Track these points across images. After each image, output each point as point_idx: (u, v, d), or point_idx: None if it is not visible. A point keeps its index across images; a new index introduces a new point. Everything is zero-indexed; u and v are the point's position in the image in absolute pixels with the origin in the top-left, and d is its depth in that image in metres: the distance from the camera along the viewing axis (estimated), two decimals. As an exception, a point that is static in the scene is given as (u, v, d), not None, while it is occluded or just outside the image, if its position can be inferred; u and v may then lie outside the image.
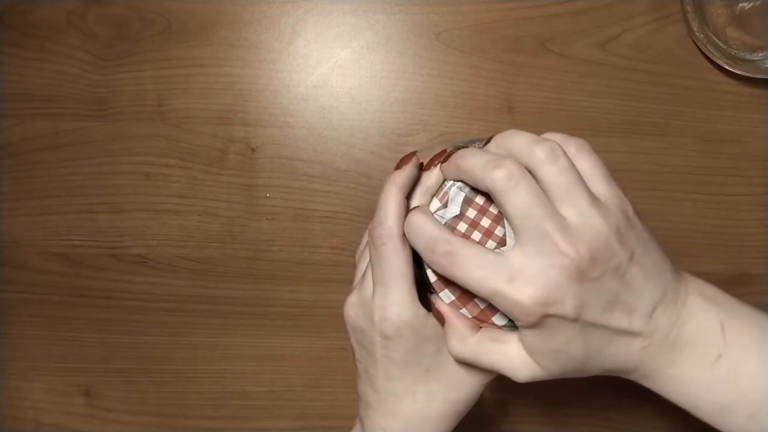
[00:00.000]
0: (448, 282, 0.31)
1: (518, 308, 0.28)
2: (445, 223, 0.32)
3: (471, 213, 0.31)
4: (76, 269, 0.50)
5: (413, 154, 0.33)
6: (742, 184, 0.49)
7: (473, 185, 0.31)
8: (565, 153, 0.29)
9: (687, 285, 0.31)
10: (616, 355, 0.30)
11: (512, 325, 0.31)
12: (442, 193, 0.32)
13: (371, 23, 0.48)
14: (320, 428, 0.51)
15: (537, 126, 0.48)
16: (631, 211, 0.30)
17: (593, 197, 0.29)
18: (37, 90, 0.49)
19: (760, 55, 0.47)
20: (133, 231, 0.49)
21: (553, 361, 0.29)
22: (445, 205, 0.32)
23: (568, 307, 0.27)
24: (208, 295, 0.49)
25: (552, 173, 0.28)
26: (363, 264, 0.36)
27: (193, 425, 0.50)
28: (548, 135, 0.30)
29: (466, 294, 0.31)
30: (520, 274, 0.28)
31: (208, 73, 0.48)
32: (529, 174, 0.28)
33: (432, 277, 0.32)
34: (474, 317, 0.32)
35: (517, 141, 0.30)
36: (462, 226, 0.31)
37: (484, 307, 0.31)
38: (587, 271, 0.27)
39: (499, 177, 0.28)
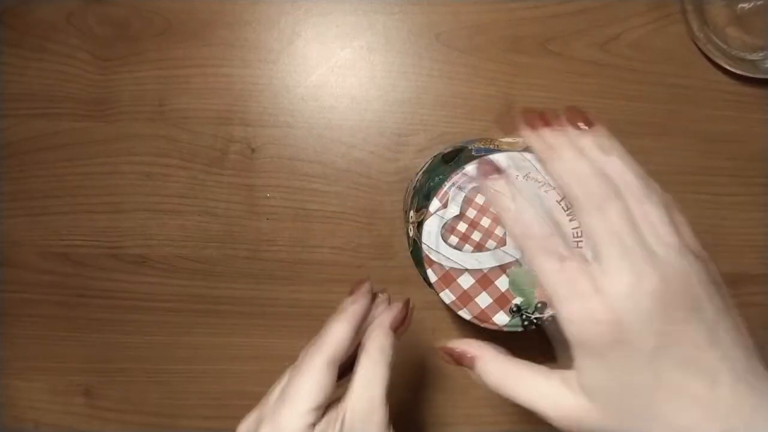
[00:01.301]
0: (449, 282, 0.32)
1: (590, 322, 0.25)
2: (445, 224, 0.32)
3: (471, 213, 0.32)
4: (76, 269, 0.50)
5: (364, 281, 0.33)
6: (742, 184, 0.49)
7: (556, 181, 0.28)
8: (660, 191, 0.27)
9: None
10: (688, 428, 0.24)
11: (514, 324, 0.31)
12: (441, 193, 0.32)
13: (371, 23, 0.48)
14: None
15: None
16: (719, 275, 0.27)
17: (682, 238, 0.26)
18: (37, 90, 0.49)
19: (759, 54, 0.47)
20: (133, 231, 0.49)
21: (611, 399, 0.25)
22: (445, 205, 0.32)
23: (646, 336, 0.24)
24: (208, 295, 0.50)
25: (646, 209, 0.26)
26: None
27: (193, 425, 0.50)
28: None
29: (466, 294, 0.31)
30: (602, 290, 0.25)
31: (208, 73, 0.49)
32: (620, 201, 0.26)
33: (433, 277, 0.32)
34: (475, 317, 0.32)
35: (616, 162, 0.27)
36: (462, 226, 0.32)
37: (485, 307, 0.31)
38: (671, 303, 0.24)
39: (592, 196, 0.26)
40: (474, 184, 0.32)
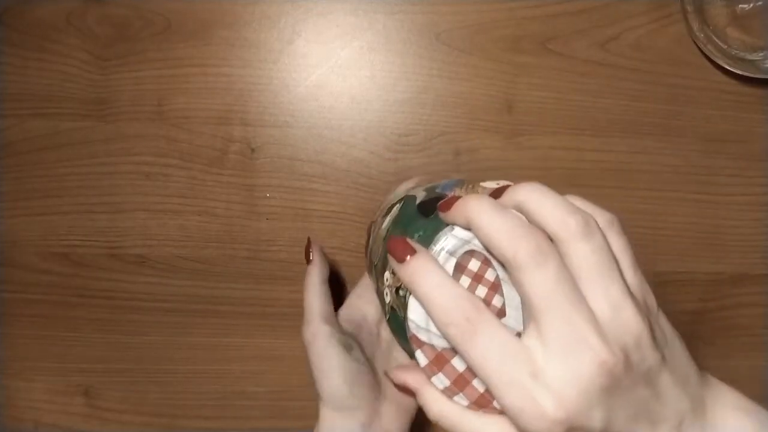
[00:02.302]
0: (441, 364, 0.27)
1: (538, 419, 0.23)
2: None
3: (465, 281, 0.26)
4: (75, 269, 0.50)
5: (310, 242, 0.41)
6: (742, 184, 0.49)
7: (484, 245, 0.26)
8: (600, 229, 0.25)
9: (713, 390, 0.27)
10: None
11: None
12: None
13: (371, 23, 0.48)
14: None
15: (537, 126, 0.48)
16: (655, 304, 0.26)
17: (625, 286, 0.25)
18: (37, 90, 0.49)
19: (760, 55, 0.47)
20: (132, 231, 0.49)
21: None
22: None
23: (594, 422, 0.23)
24: (208, 295, 0.49)
25: (585, 251, 0.24)
26: None
27: (192, 425, 0.50)
28: (571, 199, 0.26)
29: (462, 377, 0.27)
30: (543, 373, 0.23)
31: (208, 73, 0.48)
32: (556, 251, 0.24)
33: (423, 360, 0.27)
34: (473, 402, 0.27)
35: (545, 204, 0.25)
36: None
37: (486, 390, 0.27)
38: (620, 379, 0.23)
39: (524, 251, 0.24)
40: (467, 247, 0.27)
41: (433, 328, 0.27)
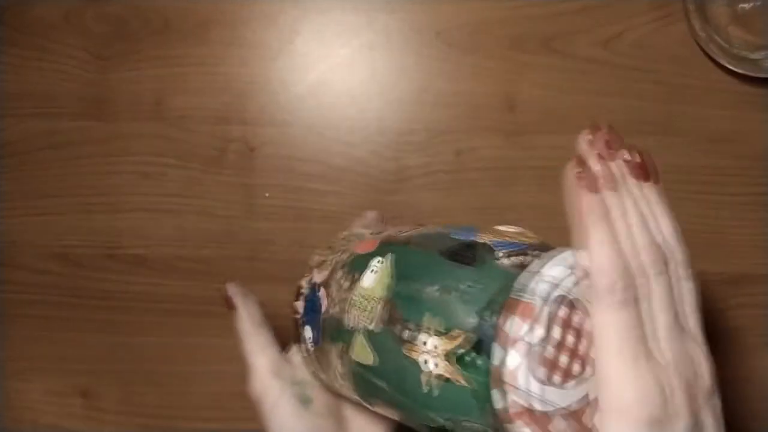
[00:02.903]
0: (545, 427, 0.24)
1: (659, 389, 0.23)
2: (534, 349, 0.23)
3: (557, 332, 0.23)
4: (74, 269, 0.50)
5: (226, 289, 0.36)
6: (743, 183, 0.48)
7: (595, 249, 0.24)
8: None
9: None
10: None
11: None
12: (526, 309, 0.23)
13: (371, 21, 0.48)
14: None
15: (538, 124, 0.48)
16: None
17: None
18: (36, 89, 0.49)
19: (761, 54, 0.46)
20: (131, 231, 0.49)
21: None
22: (531, 327, 0.23)
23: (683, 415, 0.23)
24: (207, 296, 0.49)
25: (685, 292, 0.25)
26: None
27: (191, 426, 0.50)
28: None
29: None
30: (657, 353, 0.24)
31: (207, 72, 0.48)
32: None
33: None
34: None
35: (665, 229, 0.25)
36: (549, 351, 0.23)
37: None
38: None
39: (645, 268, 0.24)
40: (559, 293, 0.24)
41: (534, 390, 0.23)
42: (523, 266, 0.25)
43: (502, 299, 0.24)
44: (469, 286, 0.25)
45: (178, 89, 0.48)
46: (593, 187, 0.25)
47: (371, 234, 0.33)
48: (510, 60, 0.48)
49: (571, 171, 0.26)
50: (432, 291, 0.26)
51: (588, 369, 0.24)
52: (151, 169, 0.49)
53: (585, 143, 0.26)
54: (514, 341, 0.23)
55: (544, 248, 0.27)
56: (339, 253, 0.33)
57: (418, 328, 0.26)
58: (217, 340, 0.50)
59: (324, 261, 0.33)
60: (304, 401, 0.33)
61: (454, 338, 0.24)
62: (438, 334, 0.25)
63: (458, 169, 0.48)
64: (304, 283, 0.34)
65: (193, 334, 0.50)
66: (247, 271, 0.49)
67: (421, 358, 0.26)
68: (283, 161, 0.49)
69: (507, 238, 0.28)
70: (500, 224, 0.30)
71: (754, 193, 0.48)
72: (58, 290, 0.50)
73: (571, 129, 0.48)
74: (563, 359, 0.23)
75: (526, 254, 0.26)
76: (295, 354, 0.36)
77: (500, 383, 0.23)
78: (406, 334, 0.26)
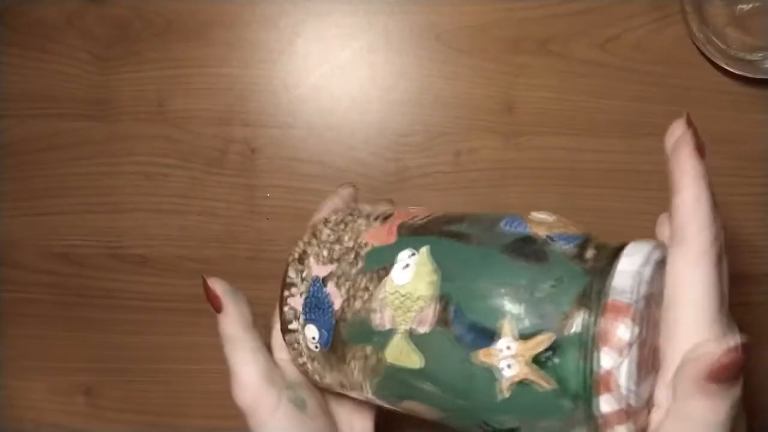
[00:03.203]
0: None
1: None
2: (633, 349, 0.22)
3: (643, 330, 0.22)
4: (76, 269, 0.50)
5: (206, 282, 0.32)
6: (742, 184, 0.49)
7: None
8: None
9: None
10: None
11: None
12: (629, 310, 0.22)
13: (371, 24, 0.48)
14: (320, 428, 0.51)
15: (537, 126, 0.48)
16: None
17: None
18: (37, 90, 0.49)
19: (759, 55, 0.47)
20: (133, 231, 0.49)
21: None
22: (628, 326, 0.22)
23: None
24: (209, 296, 0.49)
25: None
26: None
27: (193, 425, 0.50)
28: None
29: None
30: None
31: (208, 74, 0.48)
32: None
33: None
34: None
35: None
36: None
37: None
38: None
39: None
40: (645, 288, 0.23)
41: (633, 388, 0.22)
42: (587, 260, 0.24)
43: (593, 299, 0.22)
44: (552, 286, 0.23)
45: (180, 91, 0.49)
46: (703, 152, 0.26)
47: (375, 219, 0.30)
48: (509, 62, 0.48)
49: (680, 133, 0.26)
50: (504, 291, 0.24)
51: (655, 360, 0.23)
52: (153, 170, 0.49)
53: (681, 125, 0.27)
54: (613, 342, 0.21)
55: (595, 240, 0.26)
56: (332, 243, 0.30)
57: (491, 332, 0.24)
58: (218, 339, 0.50)
59: (312, 252, 0.31)
60: (300, 405, 0.31)
61: (540, 342, 0.23)
62: (521, 338, 0.23)
63: (458, 170, 0.49)
64: (293, 274, 0.31)
65: (195, 332, 0.50)
66: (248, 271, 0.49)
67: (500, 363, 0.24)
68: (284, 162, 0.49)
69: (557, 230, 0.26)
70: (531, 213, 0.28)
71: (752, 193, 0.49)
72: (59, 290, 0.50)
73: (570, 130, 0.49)
74: (645, 352, 0.22)
75: (585, 247, 0.25)
76: (278, 351, 0.33)
77: (600, 386, 0.22)
78: (471, 337, 0.24)
